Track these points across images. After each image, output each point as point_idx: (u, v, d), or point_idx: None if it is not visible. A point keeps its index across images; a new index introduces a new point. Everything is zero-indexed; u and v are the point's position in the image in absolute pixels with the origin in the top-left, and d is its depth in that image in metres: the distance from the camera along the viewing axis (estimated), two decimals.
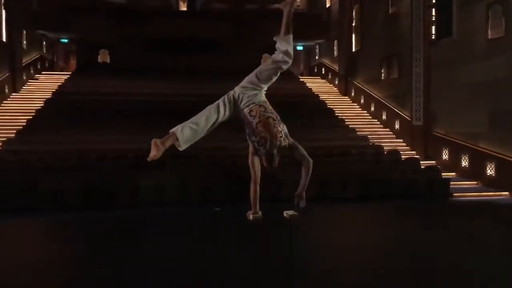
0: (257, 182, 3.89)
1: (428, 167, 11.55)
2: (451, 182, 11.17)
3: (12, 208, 8.79)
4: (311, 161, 3.96)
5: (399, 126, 15.83)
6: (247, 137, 3.84)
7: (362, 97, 18.70)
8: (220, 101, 3.84)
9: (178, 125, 3.69)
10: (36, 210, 8.84)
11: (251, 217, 3.93)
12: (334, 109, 17.97)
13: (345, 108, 18.74)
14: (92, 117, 14.72)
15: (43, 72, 20.85)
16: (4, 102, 16.58)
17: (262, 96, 3.89)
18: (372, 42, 17.91)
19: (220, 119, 3.78)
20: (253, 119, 3.73)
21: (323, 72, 23.28)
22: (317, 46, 24.25)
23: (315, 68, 24.58)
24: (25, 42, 18.99)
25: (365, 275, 4.00)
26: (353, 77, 19.61)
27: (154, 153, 3.54)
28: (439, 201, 10.16)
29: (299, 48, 25.20)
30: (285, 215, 4.02)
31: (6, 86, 17.13)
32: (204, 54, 23.13)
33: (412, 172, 11.07)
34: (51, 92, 17.54)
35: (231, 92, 3.90)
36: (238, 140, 13.27)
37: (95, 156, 11.42)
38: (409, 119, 15.04)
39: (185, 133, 3.63)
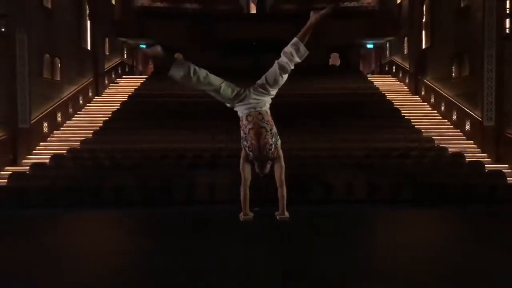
0: (246, 186, 4.05)
1: (493, 171, 10.82)
2: None
3: (82, 202, 9.82)
4: (284, 184, 4.05)
5: (470, 126, 14.90)
6: (241, 141, 4.02)
7: (432, 96, 17.83)
8: (233, 84, 4.06)
9: (187, 61, 3.93)
10: (100, 204, 9.79)
11: (242, 218, 4.12)
12: (401, 109, 17.35)
13: (414, 107, 18.00)
14: (161, 118, 15.74)
15: (123, 76, 22.60)
16: (87, 104, 18.32)
17: (266, 105, 4.04)
18: (443, 39, 17.02)
19: (217, 88, 3.91)
20: (248, 124, 3.90)
21: (393, 70, 22.52)
22: (388, 44, 23.49)
23: (386, 66, 23.83)
24: (107, 49, 20.77)
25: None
26: (423, 75, 18.78)
27: (152, 48, 3.96)
28: (501, 208, 9.48)
29: (369, 46, 24.60)
30: (277, 218, 4.17)
31: (90, 90, 18.90)
32: (273, 54, 23.32)
33: (474, 176, 10.46)
34: (127, 95, 18.99)
35: (244, 88, 4.07)
36: (291, 142, 13.48)
37: (158, 155, 12.27)
38: (480, 119, 14.12)
39: (183, 67, 3.81)
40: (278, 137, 3.96)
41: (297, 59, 3.99)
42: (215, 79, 3.92)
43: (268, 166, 3.94)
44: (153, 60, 25.45)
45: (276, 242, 5.40)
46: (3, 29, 13.00)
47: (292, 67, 4.01)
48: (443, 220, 8.54)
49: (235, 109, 4.08)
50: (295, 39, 4.03)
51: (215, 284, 3.25)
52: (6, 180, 10.52)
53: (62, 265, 5.26)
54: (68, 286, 4.17)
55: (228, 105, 4.07)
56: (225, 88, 3.94)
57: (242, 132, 3.98)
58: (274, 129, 3.95)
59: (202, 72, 3.87)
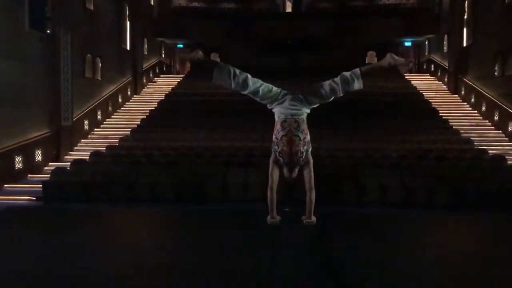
0: (274, 189, 4.03)
1: None
2: None
3: (119, 198, 10.16)
4: (313, 189, 4.03)
5: None
6: (272, 145, 4.02)
7: (473, 95, 17.26)
8: (272, 85, 4.05)
9: (226, 64, 3.96)
10: (136, 201, 10.12)
11: (268, 221, 4.17)
12: (439, 109, 16.91)
13: (453, 108, 17.50)
14: (197, 117, 16.02)
15: (161, 76, 23.14)
16: (126, 103, 18.89)
17: (304, 114, 4.01)
18: (485, 36, 16.42)
19: (255, 91, 3.96)
20: (282, 130, 3.88)
21: (432, 69, 21.92)
22: (427, 41, 22.88)
23: (424, 64, 23.23)
24: (146, 49, 21.30)
25: None
26: (463, 74, 18.19)
27: (192, 54, 4.04)
28: None
29: (407, 43, 24.06)
30: (303, 222, 4.19)
31: (129, 89, 19.47)
32: (308, 53, 23.41)
33: None
34: (164, 94, 19.42)
35: (283, 91, 4.04)
36: (326, 142, 13.39)
37: (193, 153, 12.50)
38: None
39: (224, 71, 3.88)
40: (310, 144, 3.97)
41: (349, 90, 3.92)
42: (254, 83, 3.93)
43: (296, 170, 3.96)
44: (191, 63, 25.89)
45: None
46: (48, 31, 13.59)
47: (340, 95, 3.96)
48: (482, 227, 8.29)
49: (273, 110, 4.09)
50: (357, 70, 3.90)
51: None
52: (49, 175, 11.04)
53: (89, 262, 5.49)
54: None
55: (268, 106, 4.11)
56: (264, 91, 3.95)
57: (274, 137, 3.97)
58: (308, 137, 3.93)
59: (242, 76, 3.89)
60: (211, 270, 4.64)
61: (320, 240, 5.87)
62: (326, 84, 3.93)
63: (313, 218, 4.13)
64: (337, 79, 3.91)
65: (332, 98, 4.00)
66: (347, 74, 3.90)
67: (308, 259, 5.34)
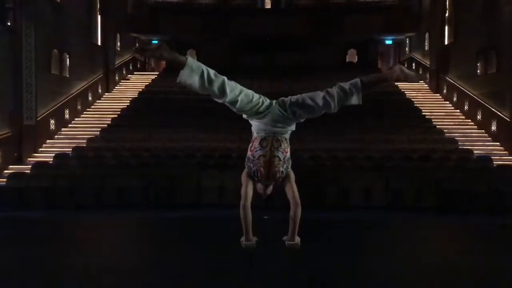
0: (248, 206, 3.37)
1: None
2: None
3: (84, 204, 9.34)
4: (299, 205, 3.41)
5: (496, 127, 14.05)
6: (246, 161, 3.39)
7: (455, 94, 16.98)
8: (253, 93, 3.23)
9: (199, 63, 3.02)
10: (103, 206, 9.31)
11: (243, 244, 3.50)
12: (421, 108, 16.56)
13: (435, 107, 17.19)
14: (171, 116, 15.22)
15: (134, 73, 22.18)
16: (97, 101, 17.90)
17: (288, 133, 3.38)
18: (467, 34, 16.15)
19: (232, 100, 3.11)
20: (260, 149, 3.28)
21: (413, 67, 21.62)
22: (407, 40, 22.62)
23: (405, 63, 22.90)
24: (119, 45, 20.32)
25: None
26: (445, 72, 17.92)
27: (152, 46, 2.98)
28: None
29: (388, 42, 23.77)
30: (286, 243, 3.54)
31: (100, 86, 18.49)
32: (287, 51, 22.88)
33: (504, 183, 9.67)
34: (138, 92, 18.52)
35: (266, 102, 3.24)
36: (306, 143, 12.81)
37: (166, 154, 11.75)
38: (508, 119, 13.28)
39: (196, 71, 2.97)
40: (290, 160, 3.39)
41: (345, 104, 3.21)
42: (233, 89, 3.09)
43: (271, 187, 3.42)
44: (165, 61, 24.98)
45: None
46: (9, 23, 12.60)
47: (334, 111, 3.23)
48: (471, 232, 7.84)
49: (251, 122, 3.38)
50: (358, 81, 3.16)
51: None
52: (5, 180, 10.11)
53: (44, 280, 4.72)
54: None
55: (244, 117, 3.38)
56: (243, 102, 3.15)
57: (250, 153, 3.35)
58: (288, 155, 3.35)
59: (218, 80, 3.03)
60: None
61: (304, 253, 5.26)
62: (320, 96, 3.19)
63: (297, 239, 3.48)
64: (333, 91, 3.18)
65: (322, 113, 3.31)
66: (345, 85, 3.18)
67: (293, 274, 4.72)
